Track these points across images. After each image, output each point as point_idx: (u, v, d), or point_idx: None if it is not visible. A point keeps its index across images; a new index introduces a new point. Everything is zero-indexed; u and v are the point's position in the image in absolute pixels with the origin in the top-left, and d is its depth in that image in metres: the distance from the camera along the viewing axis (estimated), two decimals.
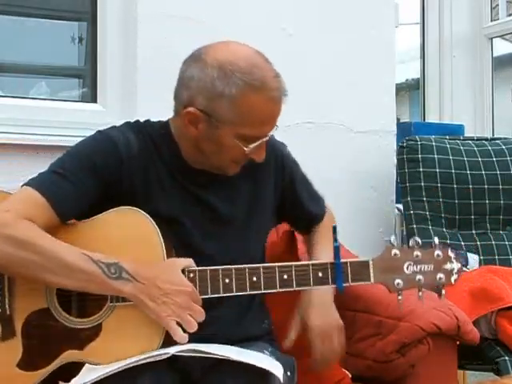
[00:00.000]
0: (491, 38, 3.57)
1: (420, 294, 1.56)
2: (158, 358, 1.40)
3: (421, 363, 1.81)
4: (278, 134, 1.92)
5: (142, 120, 1.71)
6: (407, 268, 1.55)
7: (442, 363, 1.85)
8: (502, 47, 4.42)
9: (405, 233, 2.90)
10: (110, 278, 1.44)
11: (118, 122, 1.72)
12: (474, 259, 2.56)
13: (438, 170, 2.78)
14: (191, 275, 1.50)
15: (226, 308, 1.62)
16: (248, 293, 1.53)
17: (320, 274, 1.55)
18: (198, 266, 1.53)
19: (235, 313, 1.67)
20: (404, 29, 4.68)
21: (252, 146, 1.56)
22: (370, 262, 1.57)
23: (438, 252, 1.56)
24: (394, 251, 1.56)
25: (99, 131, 1.65)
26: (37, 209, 1.50)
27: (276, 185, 1.76)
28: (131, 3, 2.50)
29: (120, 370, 1.39)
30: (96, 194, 1.57)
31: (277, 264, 1.54)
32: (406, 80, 5.92)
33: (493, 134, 3.51)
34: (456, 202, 2.78)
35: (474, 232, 2.79)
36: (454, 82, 3.58)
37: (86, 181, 1.56)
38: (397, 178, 2.91)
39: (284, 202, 1.79)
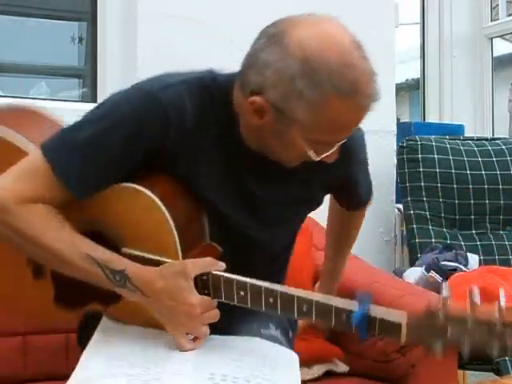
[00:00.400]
0: (491, 38, 3.56)
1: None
2: None
3: (421, 363, 1.81)
4: None
5: (206, 71, 1.42)
6: (452, 331, 1.19)
7: (442, 363, 1.85)
8: (502, 47, 4.42)
9: (405, 233, 2.90)
10: (115, 284, 1.33)
11: None
12: (473, 259, 2.56)
13: (437, 170, 2.78)
14: (204, 278, 1.34)
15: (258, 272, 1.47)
16: (263, 310, 1.34)
17: (343, 318, 1.29)
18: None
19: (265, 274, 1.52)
20: (404, 29, 4.67)
21: (323, 155, 1.33)
22: (404, 324, 1.24)
23: (497, 323, 1.16)
24: (438, 315, 1.19)
25: (146, 90, 1.34)
26: (46, 186, 1.32)
27: (336, 177, 1.55)
28: (131, 3, 2.50)
29: None
30: (124, 167, 1.34)
31: (296, 294, 1.33)
32: (406, 80, 5.91)
33: (493, 134, 3.51)
34: (456, 201, 2.78)
35: (473, 232, 2.79)
36: (454, 81, 3.58)
37: (115, 154, 1.32)
38: (397, 178, 2.91)
39: (337, 189, 1.64)
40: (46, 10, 2.76)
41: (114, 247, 1.38)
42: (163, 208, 1.34)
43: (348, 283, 1.86)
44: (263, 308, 1.34)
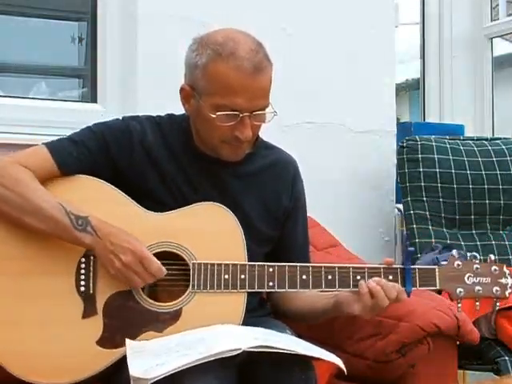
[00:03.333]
0: (491, 38, 3.57)
1: (477, 304, 1.67)
2: (229, 354, 1.36)
3: (421, 363, 1.81)
4: (279, 133, 1.92)
5: (163, 114, 1.78)
6: (468, 279, 1.67)
7: (441, 363, 1.85)
8: (502, 47, 4.42)
9: (405, 233, 2.90)
10: (76, 228, 1.56)
11: None
12: None
13: (438, 170, 2.78)
14: (270, 270, 1.58)
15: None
16: (322, 289, 1.60)
17: (390, 277, 1.61)
18: None
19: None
20: (404, 29, 4.68)
21: (220, 113, 1.58)
22: (436, 270, 1.66)
23: (494, 267, 1.70)
24: (457, 262, 1.68)
25: (123, 117, 1.75)
26: (37, 158, 1.63)
27: (285, 199, 1.78)
28: (131, 3, 2.50)
29: (202, 361, 1.35)
30: (100, 162, 1.67)
31: (351, 265, 1.63)
32: (406, 80, 5.91)
33: (493, 134, 3.51)
34: (456, 201, 2.78)
35: (473, 232, 2.79)
36: (454, 82, 3.58)
37: (92, 147, 1.67)
38: (397, 178, 2.91)
39: (283, 221, 1.79)
40: (46, 9, 2.76)
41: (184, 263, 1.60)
42: (234, 216, 1.62)
43: None
44: (323, 286, 1.59)
